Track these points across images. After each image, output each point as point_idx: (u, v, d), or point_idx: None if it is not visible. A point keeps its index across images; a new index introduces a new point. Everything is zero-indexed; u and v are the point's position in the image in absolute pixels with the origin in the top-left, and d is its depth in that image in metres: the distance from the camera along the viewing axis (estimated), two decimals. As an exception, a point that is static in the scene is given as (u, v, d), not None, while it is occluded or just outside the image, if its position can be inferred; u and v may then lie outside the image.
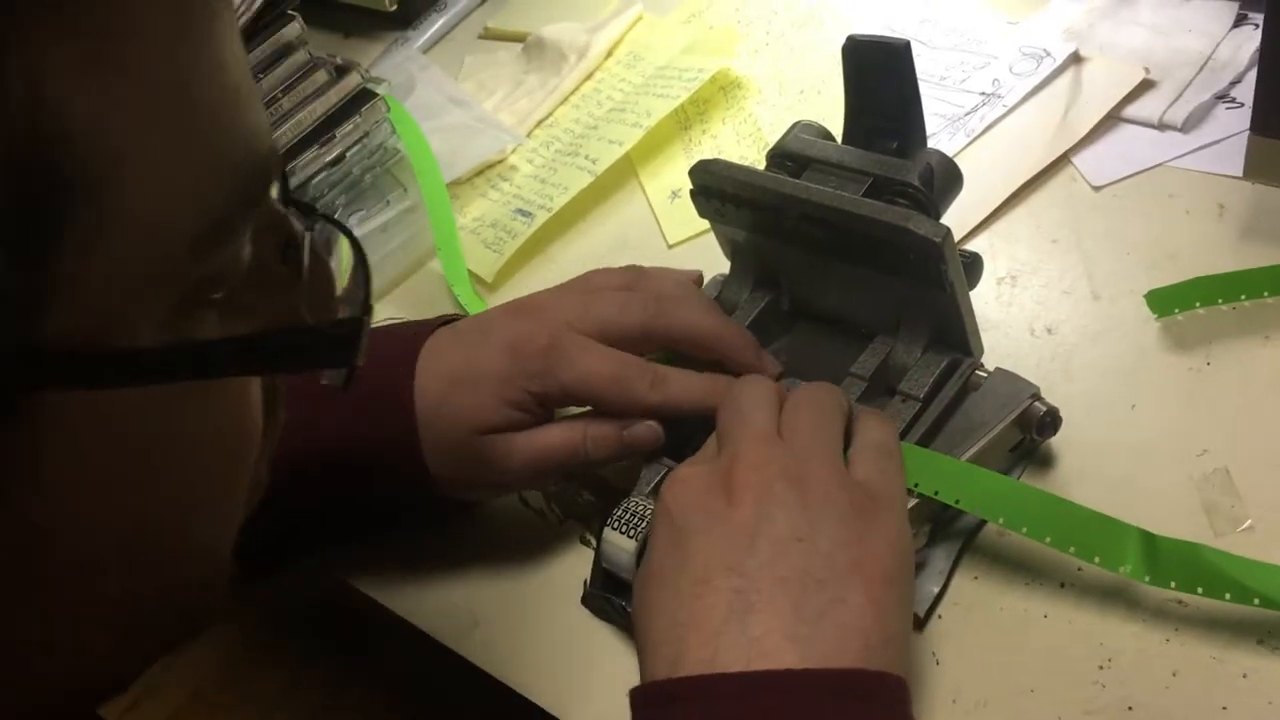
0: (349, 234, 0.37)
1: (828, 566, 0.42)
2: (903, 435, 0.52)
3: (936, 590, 0.51)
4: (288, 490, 0.54)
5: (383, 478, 0.55)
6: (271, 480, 0.53)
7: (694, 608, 0.41)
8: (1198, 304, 0.57)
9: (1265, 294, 0.56)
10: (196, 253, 0.28)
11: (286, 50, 0.71)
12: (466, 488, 0.56)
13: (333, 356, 0.32)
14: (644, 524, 0.51)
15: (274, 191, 0.35)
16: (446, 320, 0.58)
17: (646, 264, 0.72)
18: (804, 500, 0.43)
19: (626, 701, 0.42)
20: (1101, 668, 0.47)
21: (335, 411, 0.54)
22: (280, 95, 0.71)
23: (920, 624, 0.50)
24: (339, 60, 0.75)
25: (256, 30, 0.69)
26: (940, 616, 0.51)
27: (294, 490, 0.54)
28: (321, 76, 0.73)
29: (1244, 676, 0.45)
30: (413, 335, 0.56)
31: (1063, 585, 0.50)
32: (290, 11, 0.71)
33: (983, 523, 0.52)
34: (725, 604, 0.41)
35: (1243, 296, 0.56)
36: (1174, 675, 0.46)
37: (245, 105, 0.30)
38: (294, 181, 0.73)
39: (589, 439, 0.54)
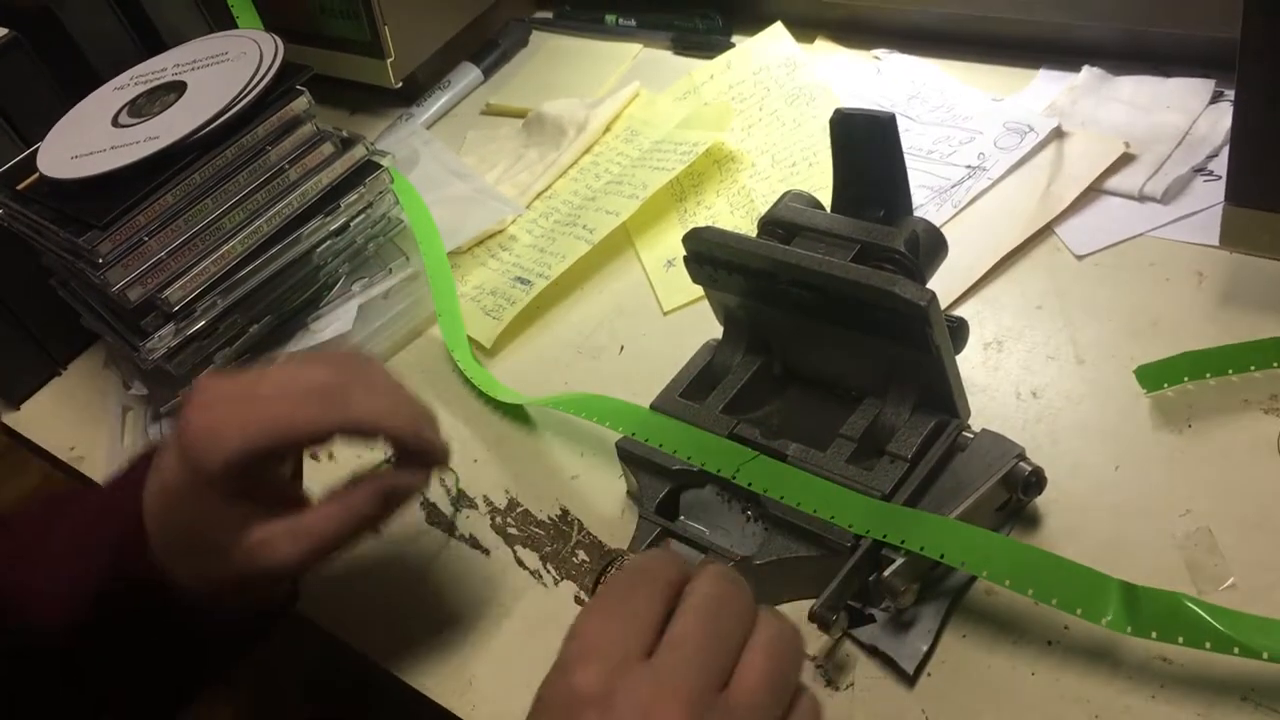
0: None
1: None
2: (890, 495, 0.53)
3: (925, 648, 0.51)
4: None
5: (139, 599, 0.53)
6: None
7: None
8: (1186, 379, 0.58)
9: (1252, 368, 0.57)
10: None
11: (294, 123, 0.73)
12: (247, 599, 0.54)
13: None
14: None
15: None
16: None
17: (643, 330, 0.74)
18: None
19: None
20: (1088, 724, 0.47)
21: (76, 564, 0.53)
22: (287, 166, 0.73)
23: (910, 681, 0.51)
24: (345, 133, 0.77)
25: (266, 104, 0.71)
26: (929, 674, 0.51)
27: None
28: (328, 148, 0.75)
29: (1228, 732, 0.45)
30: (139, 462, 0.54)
31: (1050, 643, 0.50)
32: (299, 87, 0.73)
33: (970, 581, 0.53)
34: None
35: (1230, 371, 0.57)
36: (1160, 731, 0.46)
37: None
38: (299, 249, 0.75)
39: (351, 519, 0.51)
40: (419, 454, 0.54)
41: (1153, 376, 0.58)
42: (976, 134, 0.77)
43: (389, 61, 0.97)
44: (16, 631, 0.53)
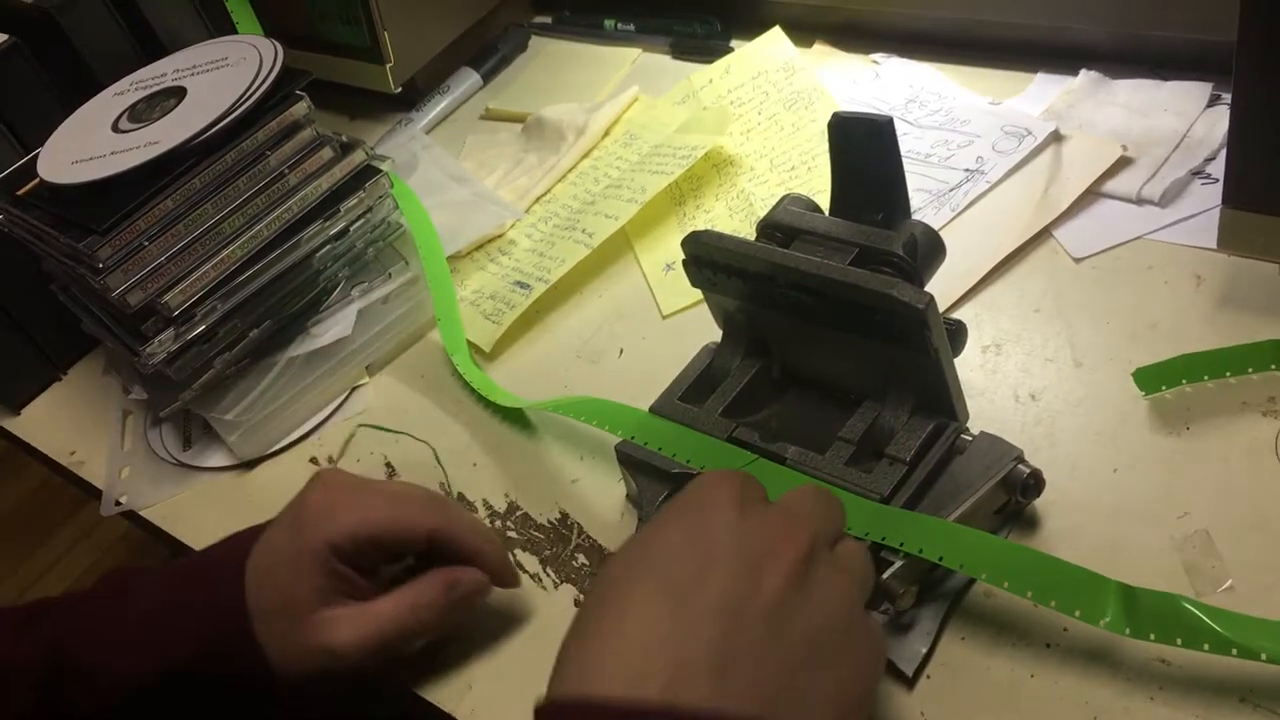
0: None
1: (812, 691, 0.40)
2: (889, 498, 0.53)
3: (924, 650, 0.51)
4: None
5: (219, 667, 0.54)
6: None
7: (687, 634, 0.39)
8: (1184, 381, 0.58)
9: (1250, 370, 0.57)
10: None
11: (294, 128, 0.73)
12: (311, 679, 0.55)
13: None
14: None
15: None
16: None
17: (642, 334, 0.74)
18: (827, 612, 0.41)
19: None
20: (1087, 726, 0.47)
21: (174, 627, 0.55)
22: (287, 171, 0.73)
23: (909, 683, 0.51)
24: (344, 138, 0.77)
25: (266, 109, 0.72)
26: (929, 676, 0.51)
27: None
28: (327, 153, 0.75)
29: (1227, 734, 0.46)
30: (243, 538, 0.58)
31: (1048, 645, 0.50)
32: (299, 91, 0.74)
33: (969, 584, 0.53)
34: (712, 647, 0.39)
35: (1228, 373, 0.58)
36: (1158, 733, 0.46)
37: None
38: (298, 254, 0.75)
39: (416, 609, 0.55)
40: (496, 572, 0.58)
41: (1151, 379, 0.59)
42: (974, 138, 0.77)
43: (388, 66, 0.97)
44: (78, 705, 0.54)
